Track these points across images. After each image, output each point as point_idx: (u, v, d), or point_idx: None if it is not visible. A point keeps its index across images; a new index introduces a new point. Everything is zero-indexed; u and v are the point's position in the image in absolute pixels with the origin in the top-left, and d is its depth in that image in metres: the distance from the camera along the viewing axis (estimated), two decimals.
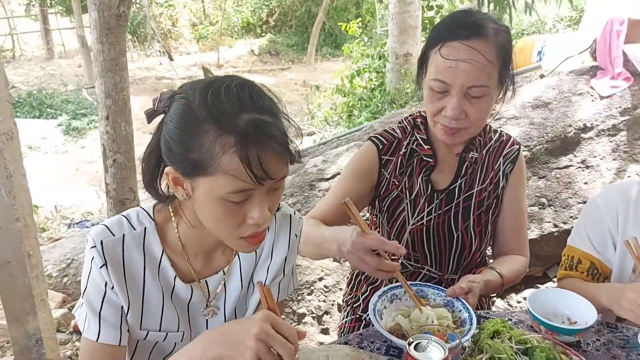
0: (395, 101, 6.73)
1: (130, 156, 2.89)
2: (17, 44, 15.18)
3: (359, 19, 9.24)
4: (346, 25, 8.42)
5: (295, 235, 1.28)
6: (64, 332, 2.97)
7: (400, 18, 6.70)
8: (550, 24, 9.67)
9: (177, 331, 1.17)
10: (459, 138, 1.49)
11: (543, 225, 3.17)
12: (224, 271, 1.21)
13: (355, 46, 8.09)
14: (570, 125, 3.47)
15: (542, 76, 3.99)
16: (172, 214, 1.12)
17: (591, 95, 3.65)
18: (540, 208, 3.26)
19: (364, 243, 1.26)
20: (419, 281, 1.63)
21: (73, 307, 3.18)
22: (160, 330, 1.16)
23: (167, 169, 1.00)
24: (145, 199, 1.19)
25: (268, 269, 1.26)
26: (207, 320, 1.22)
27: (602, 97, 3.59)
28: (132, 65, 11.97)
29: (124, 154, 2.83)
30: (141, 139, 2.39)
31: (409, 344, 1.01)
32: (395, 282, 1.58)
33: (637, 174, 3.25)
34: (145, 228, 1.11)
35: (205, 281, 1.19)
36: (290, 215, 1.27)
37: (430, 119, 1.51)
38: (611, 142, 3.48)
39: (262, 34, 16.25)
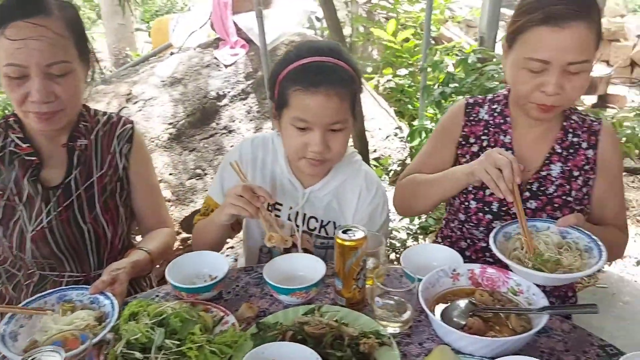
0: None
1: None
2: None
3: None
4: None
5: None
6: None
7: None
8: (182, 2, 9.98)
9: None
10: (57, 123, 1.41)
11: (204, 194, 3.32)
12: None
13: None
14: (205, 97, 3.68)
15: (172, 54, 4.09)
16: None
17: (217, 66, 3.92)
18: (198, 179, 3.39)
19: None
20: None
21: None
22: None
23: None
24: None
25: None
26: None
27: (226, 66, 3.89)
28: None
29: None
30: None
31: None
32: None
33: (271, 130, 3.68)
34: None
35: None
36: None
37: (18, 109, 1.39)
38: (245, 105, 3.83)
39: None
